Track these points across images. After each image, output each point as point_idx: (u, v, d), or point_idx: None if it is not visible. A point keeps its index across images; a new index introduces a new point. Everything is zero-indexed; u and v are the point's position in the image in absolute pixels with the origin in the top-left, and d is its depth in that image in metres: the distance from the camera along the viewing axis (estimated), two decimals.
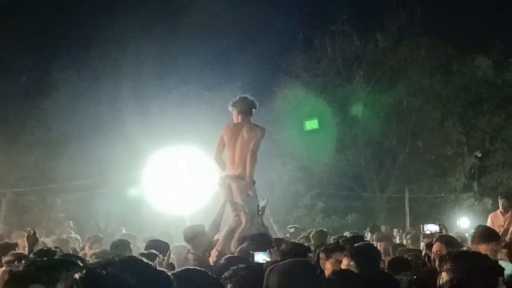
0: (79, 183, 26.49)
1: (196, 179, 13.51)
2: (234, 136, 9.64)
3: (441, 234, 8.34)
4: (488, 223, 12.36)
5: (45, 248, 8.65)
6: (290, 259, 5.24)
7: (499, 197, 13.43)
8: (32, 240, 8.53)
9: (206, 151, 14.72)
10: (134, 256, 2.47)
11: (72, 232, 18.62)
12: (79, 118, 30.25)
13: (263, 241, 8.11)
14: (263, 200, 10.00)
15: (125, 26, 30.91)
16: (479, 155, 32.40)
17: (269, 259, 7.08)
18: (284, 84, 33.19)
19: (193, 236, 8.54)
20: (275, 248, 7.84)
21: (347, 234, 12.88)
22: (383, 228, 21.55)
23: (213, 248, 8.64)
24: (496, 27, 32.02)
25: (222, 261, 6.93)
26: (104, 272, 2.20)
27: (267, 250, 7.42)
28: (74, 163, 27.75)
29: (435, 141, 32.73)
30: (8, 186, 25.20)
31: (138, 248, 10.61)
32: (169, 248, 9.02)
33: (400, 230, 19.98)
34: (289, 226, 16.05)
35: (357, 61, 33.58)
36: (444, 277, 4.79)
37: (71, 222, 20.52)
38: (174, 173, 13.78)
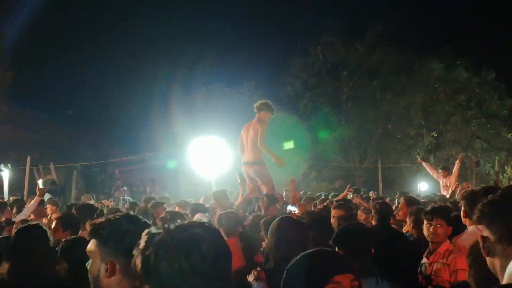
0: (131, 158, 26.46)
1: (219, 153, 13.42)
2: (246, 131, 10.12)
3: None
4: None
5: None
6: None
7: (439, 169, 15.45)
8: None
9: (226, 133, 14.77)
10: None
11: (125, 195, 19.33)
12: (130, 109, 29.84)
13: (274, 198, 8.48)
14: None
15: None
16: (435, 134, 32.22)
17: (297, 211, 7.44)
18: (288, 81, 33.01)
19: (220, 198, 8.63)
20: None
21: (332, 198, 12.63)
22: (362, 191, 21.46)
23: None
24: (446, 38, 31.84)
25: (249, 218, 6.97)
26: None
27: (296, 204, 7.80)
28: (128, 142, 27.65)
29: (401, 124, 32.31)
30: (79, 160, 25.18)
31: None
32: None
33: (375, 193, 19.90)
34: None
35: (342, 64, 33.16)
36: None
37: (125, 187, 20.77)
38: (204, 150, 13.72)
